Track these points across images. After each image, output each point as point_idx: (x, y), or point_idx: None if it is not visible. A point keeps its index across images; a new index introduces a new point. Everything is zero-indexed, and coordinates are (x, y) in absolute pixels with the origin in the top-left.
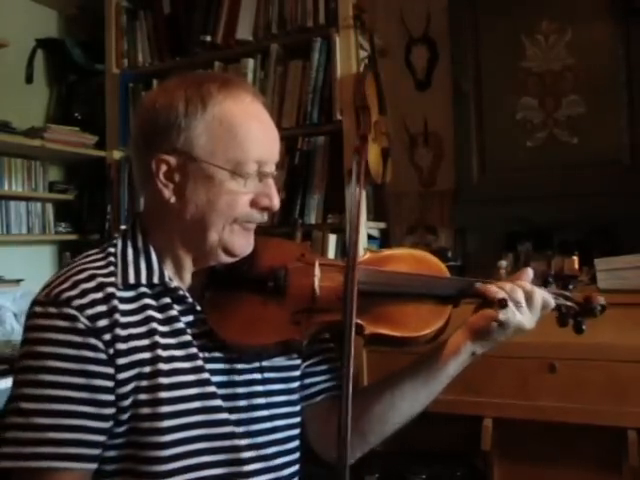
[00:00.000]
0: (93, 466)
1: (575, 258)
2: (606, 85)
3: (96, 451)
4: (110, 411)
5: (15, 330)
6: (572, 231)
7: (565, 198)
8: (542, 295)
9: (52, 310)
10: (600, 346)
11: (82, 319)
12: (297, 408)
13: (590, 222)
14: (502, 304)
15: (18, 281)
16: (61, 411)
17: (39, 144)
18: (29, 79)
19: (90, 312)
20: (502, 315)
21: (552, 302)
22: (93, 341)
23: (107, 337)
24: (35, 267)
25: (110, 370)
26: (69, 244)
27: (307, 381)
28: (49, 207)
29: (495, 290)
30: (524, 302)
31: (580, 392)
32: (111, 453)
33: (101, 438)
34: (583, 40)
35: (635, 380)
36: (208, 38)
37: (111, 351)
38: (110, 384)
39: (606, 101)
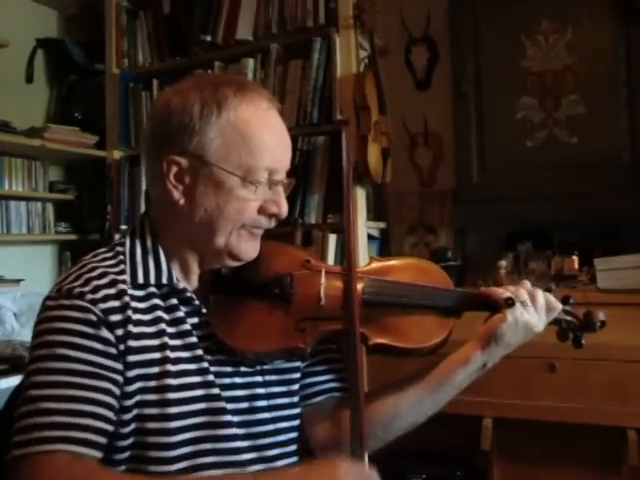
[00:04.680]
0: (99, 454)
1: (575, 258)
2: (606, 85)
3: (103, 439)
4: (117, 404)
5: (15, 330)
6: (572, 231)
7: (565, 198)
8: (546, 295)
9: (64, 302)
10: (600, 346)
11: (95, 311)
12: (298, 410)
13: (590, 222)
14: (509, 302)
15: (18, 281)
16: (69, 396)
17: (39, 144)
18: (29, 79)
19: (103, 306)
20: (510, 315)
21: (558, 305)
22: (105, 334)
23: (119, 332)
24: (35, 267)
25: (119, 366)
26: (69, 244)
27: (307, 381)
28: (49, 207)
29: (501, 291)
30: (529, 301)
31: (580, 392)
32: (119, 456)
33: (108, 427)
34: (583, 40)
35: (635, 380)
36: (208, 38)
37: (122, 347)
38: (119, 378)
39: (606, 101)
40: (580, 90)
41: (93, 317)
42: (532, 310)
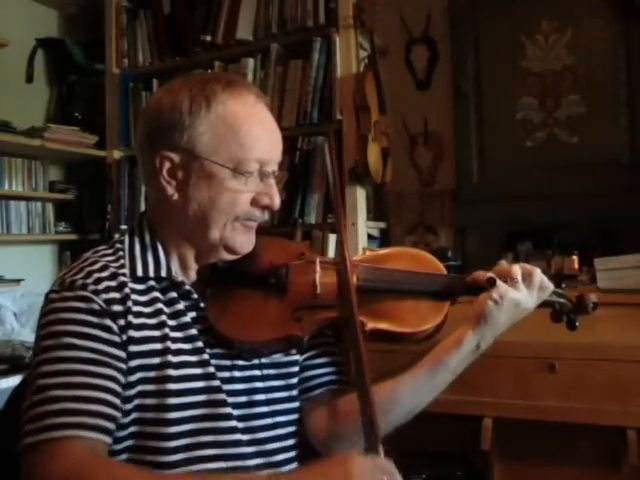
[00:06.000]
0: (109, 440)
1: (575, 258)
2: (606, 85)
3: (112, 425)
4: (122, 391)
5: (15, 330)
6: (572, 231)
7: (565, 198)
8: (541, 275)
9: (68, 294)
10: (600, 346)
11: (98, 301)
12: (297, 404)
13: (590, 222)
14: (490, 282)
15: (18, 281)
16: (78, 383)
17: (39, 144)
18: (29, 79)
19: (105, 296)
20: (495, 293)
21: (550, 284)
22: (108, 322)
23: (121, 322)
24: (35, 267)
25: (123, 354)
26: (69, 244)
27: (305, 374)
28: (49, 207)
29: (482, 273)
30: (520, 278)
31: (580, 392)
32: (117, 446)
33: (116, 413)
34: (583, 40)
35: (635, 380)
36: (208, 38)
37: (124, 337)
38: (123, 366)
39: (606, 101)
40: (580, 90)
41: (96, 306)
42: (521, 287)
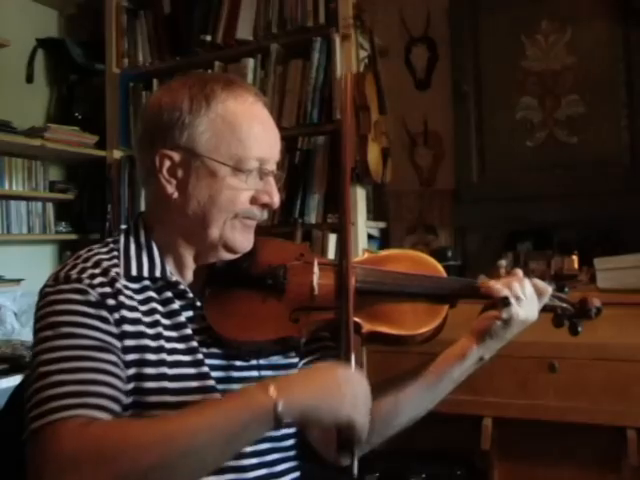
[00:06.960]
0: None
1: (575, 258)
2: (606, 85)
3: (116, 406)
4: (124, 376)
5: (15, 330)
6: (572, 231)
7: (565, 198)
8: (532, 281)
9: (63, 287)
10: (600, 345)
11: (93, 293)
12: None
13: (590, 222)
14: (505, 302)
15: (18, 281)
16: (79, 368)
17: (39, 144)
18: (29, 79)
19: (100, 290)
20: (505, 314)
21: (547, 287)
22: (105, 314)
23: (116, 316)
24: (35, 267)
25: (119, 344)
26: (69, 244)
27: None
28: (49, 207)
29: (497, 288)
30: (522, 295)
31: (580, 391)
32: None
33: (120, 395)
34: (583, 40)
35: (635, 379)
36: (208, 38)
37: (119, 330)
38: (122, 356)
39: (606, 101)
40: (580, 90)
41: (92, 298)
42: (525, 303)
